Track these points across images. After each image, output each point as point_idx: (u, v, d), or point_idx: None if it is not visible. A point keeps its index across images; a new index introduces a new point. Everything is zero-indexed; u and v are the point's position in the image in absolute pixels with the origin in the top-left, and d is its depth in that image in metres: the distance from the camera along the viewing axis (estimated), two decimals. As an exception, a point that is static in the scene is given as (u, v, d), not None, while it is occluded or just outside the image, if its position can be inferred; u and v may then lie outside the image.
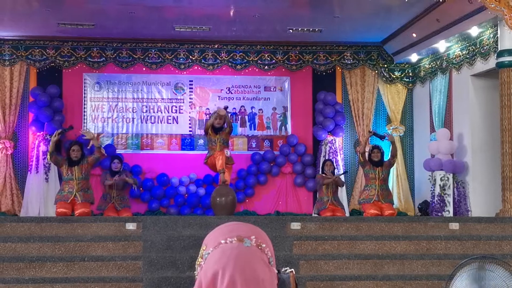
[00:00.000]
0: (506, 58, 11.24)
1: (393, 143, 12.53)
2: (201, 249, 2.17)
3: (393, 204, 12.33)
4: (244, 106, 15.52)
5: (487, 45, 12.07)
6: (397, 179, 15.14)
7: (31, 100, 14.70)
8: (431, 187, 13.60)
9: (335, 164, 13.57)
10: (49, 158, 11.74)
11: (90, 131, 12.80)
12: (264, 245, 2.15)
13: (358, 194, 14.92)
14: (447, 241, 9.82)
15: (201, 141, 15.03)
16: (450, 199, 13.12)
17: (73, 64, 14.96)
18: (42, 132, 14.38)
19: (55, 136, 11.45)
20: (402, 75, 15.55)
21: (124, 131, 15.10)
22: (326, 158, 14.42)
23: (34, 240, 9.39)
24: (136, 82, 15.32)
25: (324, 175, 12.72)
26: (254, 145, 15.47)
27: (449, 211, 13.07)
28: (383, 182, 11.93)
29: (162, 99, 15.36)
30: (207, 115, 14.98)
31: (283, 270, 2.43)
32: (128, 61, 15.12)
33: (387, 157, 12.37)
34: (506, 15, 10.01)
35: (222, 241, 2.10)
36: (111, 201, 12.15)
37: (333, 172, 12.85)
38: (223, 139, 11.94)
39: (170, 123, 15.32)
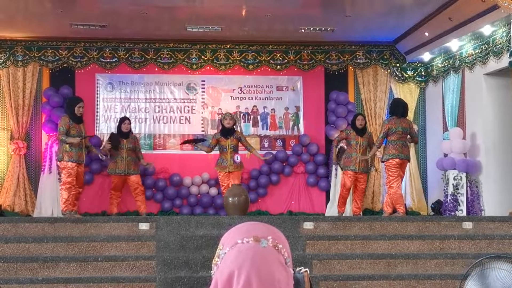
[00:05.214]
0: (519, 57, 11.19)
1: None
2: (218, 248, 2.17)
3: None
4: (256, 106, 15.51)
5: (500, 43, 12.02)
6: (410, 178, 15.10)
7: (44, 101, 14.76)
8: (444, 187, 13.56)
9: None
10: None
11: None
12: (280, 246, 2.15)
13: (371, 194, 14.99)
14: (461, 241, 9.80)
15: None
16: (463, 199, 13.08)
17: (86, 64, 15.00)
18: (55, 133, 14.41)
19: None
20: (415, 74, 15.51)
21: (137, 131, 15.08)
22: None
23: (48, 240, 9.43)
24: (149, 82, 15.34)
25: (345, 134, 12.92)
26: (266, 145, 15.46)
27: (462, 211, 13.03)
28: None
29: (175, 99, 15.38)
30: (219, 115, 15.02)
31: (297, 270, 2.42)
32: (140, 62, 15.15)
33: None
34: (519, 13, 9.98)
35: (239, 241, 2.10)
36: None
37: (364, 127, 12.77)
38: (233, 145, 12.40)
39: (183, 123, 15.35)
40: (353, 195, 12.99)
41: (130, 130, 13.13)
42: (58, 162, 12.44)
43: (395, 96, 15.35)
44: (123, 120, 13.01)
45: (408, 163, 12.28)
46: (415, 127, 15.28)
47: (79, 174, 12.00)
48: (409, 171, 15.02)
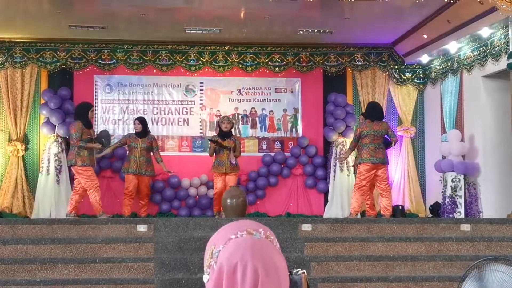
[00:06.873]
0: (517, 59, 11.20)
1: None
2: (209, 250, 2.18)
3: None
4: (254, 108, 15.50)
5: (498, 46, 12.03)
6: (408, 180, 15.10)
7: (42, 102, 14.74)
8: (442, 189, 13.56)
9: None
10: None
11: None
12: (272, 237, 2.17)
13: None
14: (459, 243, 9.79)
15: (211, 143, 15.05)
16: (462, 201, 13.07)
17: (84, 66, 14.99)
18: (53, 134, 14.41)
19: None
20: (413, 76, 15.50)
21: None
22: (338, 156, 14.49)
23: (46, 242, 9.41)
24: (147, 84, 15.33)
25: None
26: (264, 147, 15.45)
27: (460, 213, 13.02)
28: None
29: (173, 101, 15.37)
30: (218, 117, 15.01)
31: (295, 271, 2.43)
32: (139, 63, 15.14)
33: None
34: (517, 15, 9.99)
35: (232, 237, 2.12)
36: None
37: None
38: (230, 148, 12.73)
39: (181, 125, 15.33)
40: None
41: (147, 130, 13.15)
42: (71, 167, 12.30)
43: (393, 98, 15.41)
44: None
45: (384, 166, 11.87)
46: (413, 130, 15.28)
47: None
48: (407, 173, 15.06)
